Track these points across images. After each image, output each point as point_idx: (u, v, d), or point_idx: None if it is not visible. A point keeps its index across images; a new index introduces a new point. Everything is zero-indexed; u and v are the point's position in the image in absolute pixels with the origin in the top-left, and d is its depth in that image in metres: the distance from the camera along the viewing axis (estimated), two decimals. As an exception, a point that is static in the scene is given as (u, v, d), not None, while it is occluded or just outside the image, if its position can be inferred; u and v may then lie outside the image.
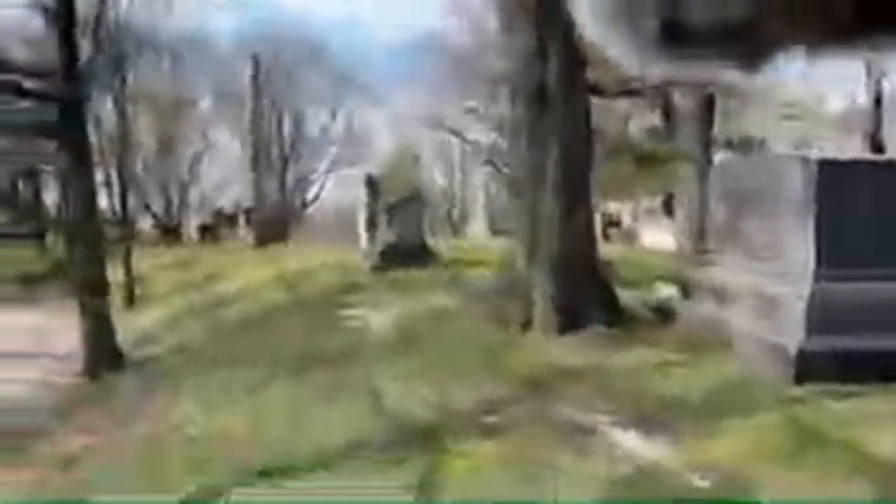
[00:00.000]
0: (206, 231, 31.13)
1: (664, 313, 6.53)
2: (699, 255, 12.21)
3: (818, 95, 22.57)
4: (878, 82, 18.75)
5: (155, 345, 11.62)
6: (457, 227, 30.29)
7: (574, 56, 6.09)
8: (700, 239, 12.33)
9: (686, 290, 8.15)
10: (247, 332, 9.12)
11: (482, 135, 26.89)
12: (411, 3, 45.69)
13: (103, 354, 10.63)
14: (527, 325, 6.30)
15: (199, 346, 9.64)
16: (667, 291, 8.71)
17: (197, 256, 21.49)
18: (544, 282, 6.20)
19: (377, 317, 7.98)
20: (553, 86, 6.19)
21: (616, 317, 6.30)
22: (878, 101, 19.25)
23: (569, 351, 5.47)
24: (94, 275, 10.55)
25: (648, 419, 4.18)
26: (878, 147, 18.17)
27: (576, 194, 6.36)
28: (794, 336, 4.60)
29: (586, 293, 6.30)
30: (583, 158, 6.51)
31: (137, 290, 18.26)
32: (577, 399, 4.39)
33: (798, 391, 4.35)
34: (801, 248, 4.79)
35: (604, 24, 0.35)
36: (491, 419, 4.20)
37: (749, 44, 0.34)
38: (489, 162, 27.60)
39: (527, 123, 6.36)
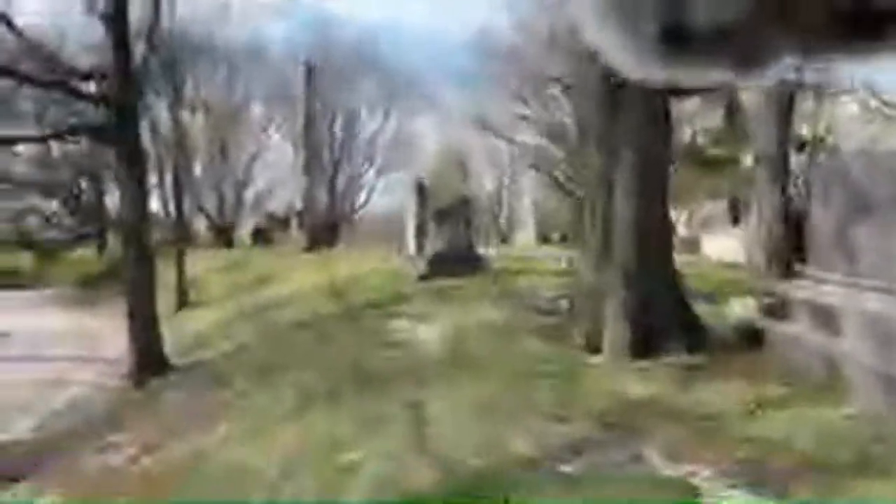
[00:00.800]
0: (259, 234, 31.26)
1: (749, 335, 5.68)
2: (782, 268, 11.19)
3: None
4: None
5: (206, 349, 11.28)
6: (504, 235, 29.46)
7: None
8: (778, 250, 11.29)
9: (772, 308, 7.24)
10: (296, 342, 8.60)
11: (530, 138, 26.08)
12: (460, 3, 45.22)
13: (148, 360, 10.35)
14: (594, 345, 5.56)
15: (249, 354, 9.20)
16: (743, 308, 7.81)
17: (249, 259, 21.35)
18: (617, 297, 5.45)
19: (426, 330, 7.35)
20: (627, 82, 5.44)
21: (698, 340, 5.50)
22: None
23: (648, 381, 4.71)
24: (141, 278, 10.29)
25: (756, 471, 3.41)
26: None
27: (652, 199, 5.59)
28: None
29: (664, 311, 5.52)
30: (660, 160, 5.74)
31: (191, 293, 18.20)
32: (666, 444, 3.64)
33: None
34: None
35: (604, 27, 0.35)
36: (563, 468, 3.49)
37: (748, 47, 0.33)
38: (536, 166, 26.77)
39: (597, 123, 5.63)
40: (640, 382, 4.68)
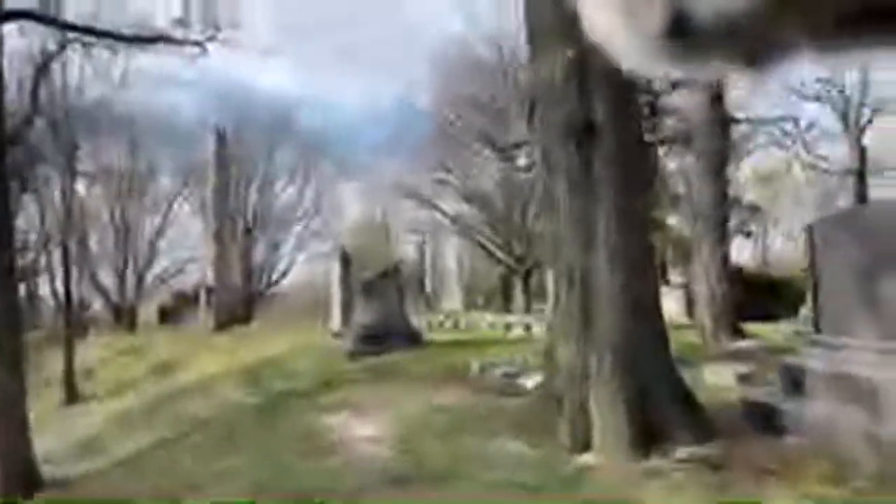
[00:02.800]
0: (167, 314, 28.61)
1: (756, 416, 4.74)
2: (730, 328, 10.62)
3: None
4: None
5: (95, 456, 9.30)
6: (431, 303, 28.32)
7: (623, 77, 4.53)
8: (725, 309, 10.72)
9: (762, 379, 6.40)
10: (204, 447, 6.98)
11: (452, 204, 25.50)
12: (378, 73, 45.31)
13: (16, 476, 8.32)
14: (583, 441, 4.44)
15: (146, 463, 7.45)
16: (717, 377, 6.97)
17: (152, 342, 19.07)
18: (607, 378, 4.39)
19: (365, 427, 6.00)
20: (601, 115, 4.58)
21: (704, 426, 4.49)
22: None
23: (671, 490, 3.61)
24: (6, 374, 8.39)
25: None
26: None
27: (641, 259, 4.66)
28: None
29: (663, 393, 4.50)
30: (643, 213, 4.86)
31: (83, 385, 15.83)
32: None
33: None
34: None
35: (608, 21, 0.34)
36: None
37: (755, 42, 0.33)
38: (460, 232, 26.12)
39: (566, 165, 4.71)
40: (661, 492, 3.57)
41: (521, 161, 15.69)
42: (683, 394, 4.68)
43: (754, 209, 17.72)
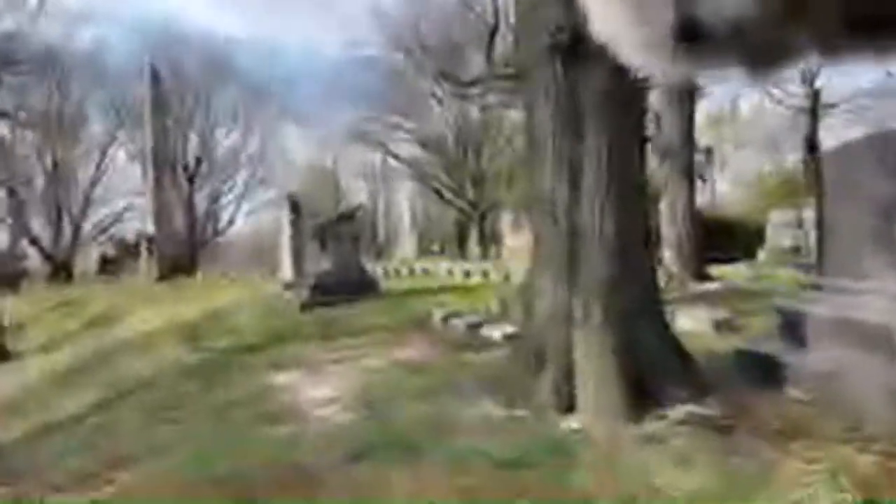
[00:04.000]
0: (107, 264, 27.05)
1: (753, 366, 4.33)
2: (696, 270, 10.33)
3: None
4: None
5: (18, 421, 8.43)
6: (384, 250, 27.61)
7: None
8: (693, 251, 10.42)
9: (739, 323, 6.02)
10: (138, 414, 6.24)
11: (406, 149, 24.51)
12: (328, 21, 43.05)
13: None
14: (567, 401, 3.94)
15: (73, 433, 6.68)
16: (694, 322, 6.59)
17: (90, 295, 17.84)
18: (595, 331, 3.86)
19: (321, 387, 5.39)
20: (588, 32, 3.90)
21: (699, 381, 4.04)
22: None
23: (676, 457, 3.14)
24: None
25: None
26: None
27: (632, 201, 4.09)
28: None
29: (655, 347, 4.01)
30: (632, 153, 4.25)
31: (11, 342, 14.66)
32: None
33: None
34: None
35: (617, 24, 0.33)
36: None
37: (763, 45, 0.32)
38: (414, 177, 25.22)
39: (550, 89, 4.04)
40: (665, 462, 3.09)
41: (478, 100, 14.86)
42: (674, 343, 4.21)
43: (709, 152, 17.51)
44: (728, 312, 6.65)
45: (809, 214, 12.16)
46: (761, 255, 14.26)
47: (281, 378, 5.80)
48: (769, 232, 14.76)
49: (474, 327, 6.66)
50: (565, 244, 3.98)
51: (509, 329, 6.07)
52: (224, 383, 6.11)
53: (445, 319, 7.30)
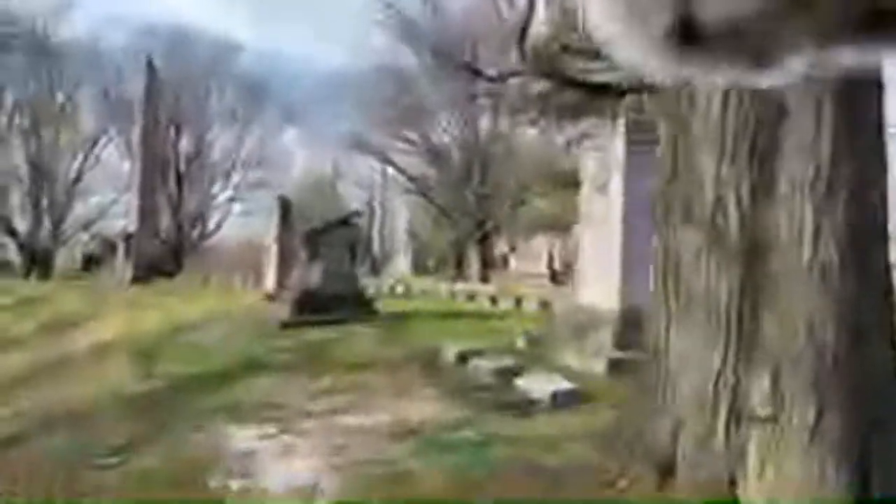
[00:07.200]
0: (91, 261, 25.09)
1: None
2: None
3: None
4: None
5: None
6: (377, 265, 25.70)
7: None
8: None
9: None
10: (53, 454, 4.41)
11: (407, 160, 22.81)
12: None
13: None
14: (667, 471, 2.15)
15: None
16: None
17: (56, 294, 15.87)
18: (798, 428, 2.09)
19: (290, 460, 3.59)
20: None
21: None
22: None
23: None
24: None
25: None
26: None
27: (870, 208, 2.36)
28: None
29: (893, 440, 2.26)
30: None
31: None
32: None
33: None
34: None
35: (614, 24, 0.33)
36: None
37: (762, 43, 0.31)
38: (413, 190, 23.51)
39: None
40: None
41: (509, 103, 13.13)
42: None
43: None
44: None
45: None
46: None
47: (237, 436, 3.98)
48: None
49: (504, 373, 4.88)
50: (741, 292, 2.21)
51: (563, 384, 4.28)
52: (162, 434, 4.28)
53: (463, 359, 5.50)
